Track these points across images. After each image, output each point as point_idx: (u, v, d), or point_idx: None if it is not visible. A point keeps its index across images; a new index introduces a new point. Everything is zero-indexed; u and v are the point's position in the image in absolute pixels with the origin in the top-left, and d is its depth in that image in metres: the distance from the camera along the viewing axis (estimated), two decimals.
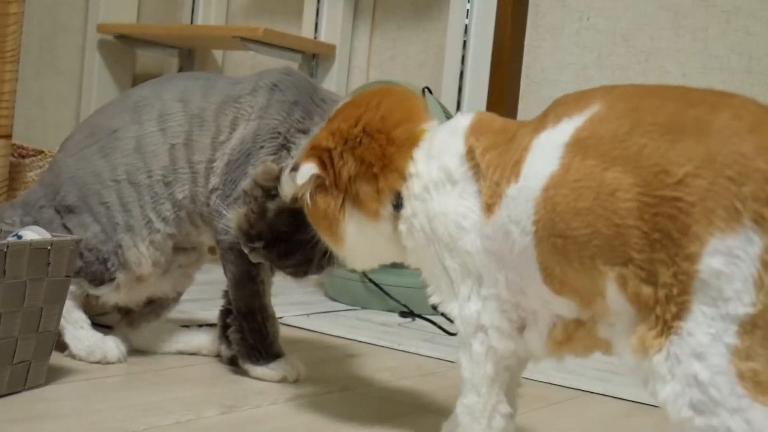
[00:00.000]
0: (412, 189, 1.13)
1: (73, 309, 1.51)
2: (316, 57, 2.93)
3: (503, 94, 2.57)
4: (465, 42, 2.59)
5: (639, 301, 0.89)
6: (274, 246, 1.37)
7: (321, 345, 1.88)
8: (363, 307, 2.35)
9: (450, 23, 2.64)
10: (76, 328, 1.52)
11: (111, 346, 1.53)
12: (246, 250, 1.40)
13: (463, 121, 1.13)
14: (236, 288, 1.50)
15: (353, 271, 2.40)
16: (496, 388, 1.09)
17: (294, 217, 1.32)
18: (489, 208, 1.04)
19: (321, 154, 1.17)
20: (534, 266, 0.99)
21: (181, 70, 3.26)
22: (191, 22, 3.30)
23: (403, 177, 1.14)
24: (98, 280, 1.52)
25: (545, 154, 0.97)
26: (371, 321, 2.19)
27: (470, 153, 1.08)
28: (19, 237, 1.36)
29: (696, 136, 0.87)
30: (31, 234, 1.36)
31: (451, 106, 2.55)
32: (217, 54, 3.30)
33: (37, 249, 1.29)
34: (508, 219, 1.01)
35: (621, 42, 2.50)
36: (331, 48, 2.90)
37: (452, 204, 1.08)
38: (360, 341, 1.93)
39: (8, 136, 2.01)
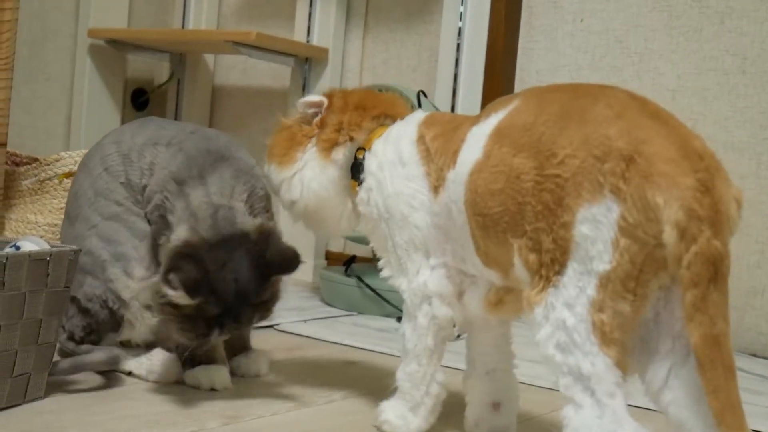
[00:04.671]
0: (370, 166, 1.32)
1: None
2: (308, 61, 2.92)
3: (497, 96, 2.54)
4: (458, 45, 2.58)
5: (528, 267, 1.04)
6: (226, 321, 1.35)
7: (319, 351, 1.87)
8: (359, 313, 2.34)
9: (443, 26, 2.63)
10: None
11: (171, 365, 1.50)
12: (202, 338, 1.37)
13: (418, 114, 1.34)
14: None
15: (349, 275, 2.40)
16: (434, 359, 1.26)
17: (205, 291, 1.32)
18: (436, 189, 1.21)
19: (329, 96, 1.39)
20: (469, 240, 1.15)
21: (172, 75, 3.24)
22: (182, 27, 3.29)
23: (367, 142, 1.34)
24: (114, 325, 1.51)
25: (474, 144, 1.13)
26: (368, 326, 2.18)
27: (420, 139, 1.26)
28: (18, 248, 1.34)
29: (578, 123, 1.01)
30: (30, 245, 1.35)
31: (445, 109, 2.54)
32: (209, 58, 3.29)
33: (37, 260, 1.28)
34: (449, 199, 1.17)
35: (615, 43, 2.50)
36: (324, 51, 2.89)
37: (402, 186, 1.25)
38: (358, 347, 1.92)
39: (3, 145, 1.99)
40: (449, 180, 1.18)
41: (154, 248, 1.47)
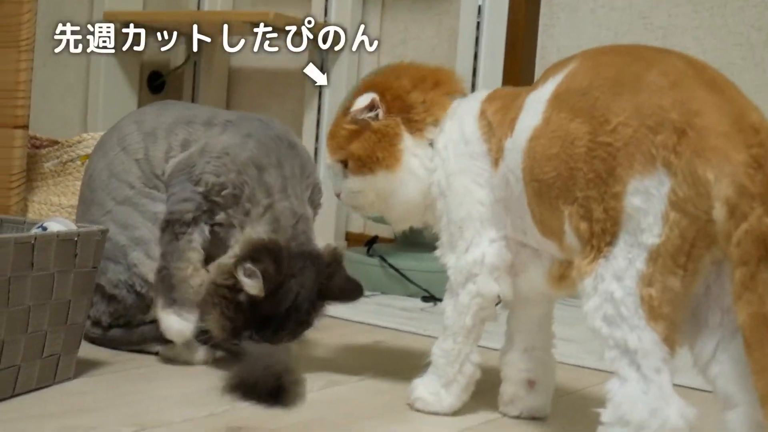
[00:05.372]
0: (437, 143, 1.28)
1: None
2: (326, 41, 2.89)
3: (518, 75, 2.54)
4: (478, 23, 2.55)
5: (579, 236, 1.03)
6: (266, 326, 1.39)
7: (345, 331, 1.86)
8: (383, 292, 2.33)
9: (463, 4, 2.60)
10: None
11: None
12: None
13: (483, 91, 1.30)
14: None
15: (371, 255, 2.39)
16: (471, 339, 1.24)
17: (269, 291, 1.37)
18: (496, 162, 1.19)
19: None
20: (526, 208, 1.13)
21: (188, 57, 3.22)
22: (198, 8, 3.26)
23: (439, 121, 1.29)
24: (143, 307, 1.49)
25: (533, 110, 1.11)
26: (393, 306, 2.17)
27: (482, 115, 1.23)
28: (44, 228, 1.33)
29: (631, 90, 0.99)
30: (57, 225, 1.33)
31: (465, 89, 2.51)
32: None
33: (64, 240, 1.27)
34: (506, 169, 1.16)
35: (638, 19, 2.47)
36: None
37: (468, 163, 1.22)
38: (384, 327, 1.91)
39: (25, 126, 1.98)
40: (507, 149, 1.16)
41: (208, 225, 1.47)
